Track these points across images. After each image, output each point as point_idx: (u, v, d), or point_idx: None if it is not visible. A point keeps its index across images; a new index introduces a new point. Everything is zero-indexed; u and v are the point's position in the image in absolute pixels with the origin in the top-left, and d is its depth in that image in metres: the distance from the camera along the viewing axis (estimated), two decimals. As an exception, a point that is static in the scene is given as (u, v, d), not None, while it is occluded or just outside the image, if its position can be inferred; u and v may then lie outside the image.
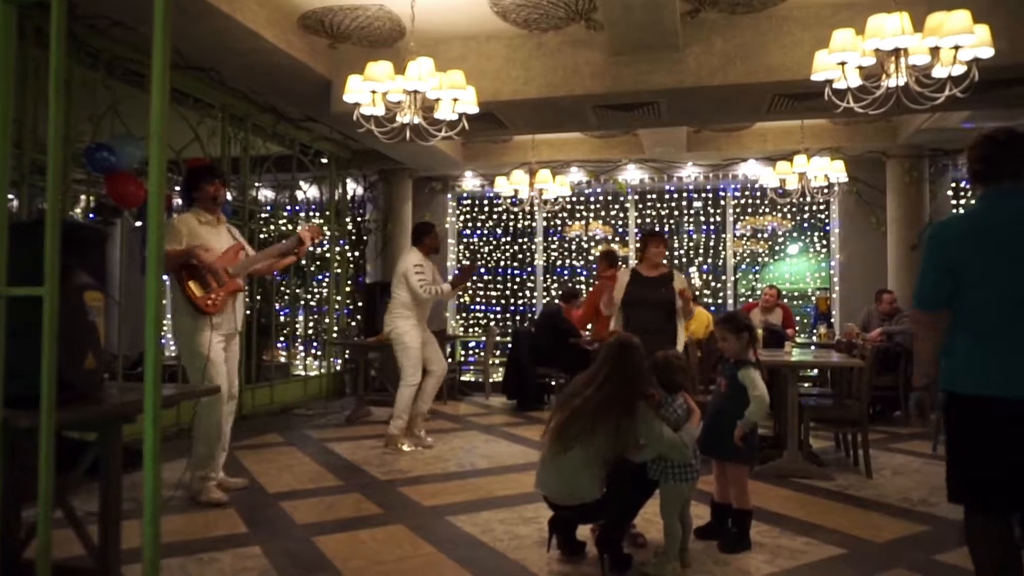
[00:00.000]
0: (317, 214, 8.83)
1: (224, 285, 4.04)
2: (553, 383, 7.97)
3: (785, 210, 8.87)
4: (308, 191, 8.88)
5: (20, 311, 1.95)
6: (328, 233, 8.35)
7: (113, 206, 5.63)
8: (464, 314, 9.81)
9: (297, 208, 8.90)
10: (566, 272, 9.53)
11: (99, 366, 2.24)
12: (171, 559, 3.03)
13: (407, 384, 5.44)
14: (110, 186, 5.07)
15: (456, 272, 8.13)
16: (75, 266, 2.18)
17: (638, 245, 5.10)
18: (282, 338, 8.96)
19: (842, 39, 3.88)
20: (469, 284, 7.53)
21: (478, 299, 9.73)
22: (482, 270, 9.66)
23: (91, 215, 6.68)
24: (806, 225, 8.97)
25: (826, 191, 7.53)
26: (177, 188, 6.93)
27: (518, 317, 9.60)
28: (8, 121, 2.03)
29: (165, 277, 3.93)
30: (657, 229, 8.60)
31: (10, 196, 3.81)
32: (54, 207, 1.98)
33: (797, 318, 8.33)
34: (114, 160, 4.96)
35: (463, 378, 9.28)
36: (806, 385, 7.31)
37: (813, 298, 8.62)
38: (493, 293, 9.73)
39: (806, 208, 8.88)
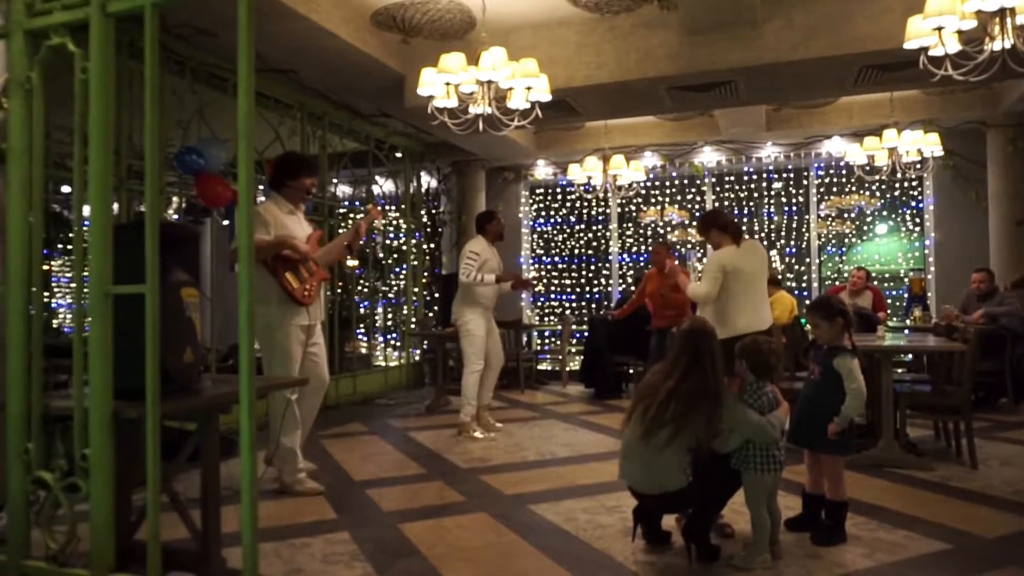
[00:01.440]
0: (393, 207, 9.00)
1: (314, 274, 4.02)
2: (631, 371, 7.87)
3: (873, 188, 8.44)
4: (384, 185, 9.05)
5: (123, 309, 2.07)
6: (387, 218, 8.41)
7: (202, 206, 5.89)
8: (540, 303, 9.81)
9: (375, 202, 9.07)
10: (642, 259, 9.38)
11: (197, 359, 2.34)
12: (265, 544, 3.13)
13: (470, 371, 5.51)
14: (199, 187, 5.31)
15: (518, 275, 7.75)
16: (172, 264, 2.28)
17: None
18: (362, 329, 9.19)
19: (938, 2, 3.63)
20: (535, 281, 7.77)
21: (553, 288, 9.72)
22: (543, 276, 9.63)
23: (183, 215, 7.01)
24: (897, 203, 8.51)
25: (919, 166, 7.11)
26: (261, 187, 7.20)
27: (594, 305, 9.53)
28: (111, 131, 2.15)
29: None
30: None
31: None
32: (153, 209, 2.08)
33: (889, 301, 7.93)
34: (203, 163, 5.18)
35: (540, 367, 9.29)
36: (899, 371, 6.95)
37: (906, 279, 8.18)
38: (568, 281, 9.69)
39: (896, 185, 8.43)
